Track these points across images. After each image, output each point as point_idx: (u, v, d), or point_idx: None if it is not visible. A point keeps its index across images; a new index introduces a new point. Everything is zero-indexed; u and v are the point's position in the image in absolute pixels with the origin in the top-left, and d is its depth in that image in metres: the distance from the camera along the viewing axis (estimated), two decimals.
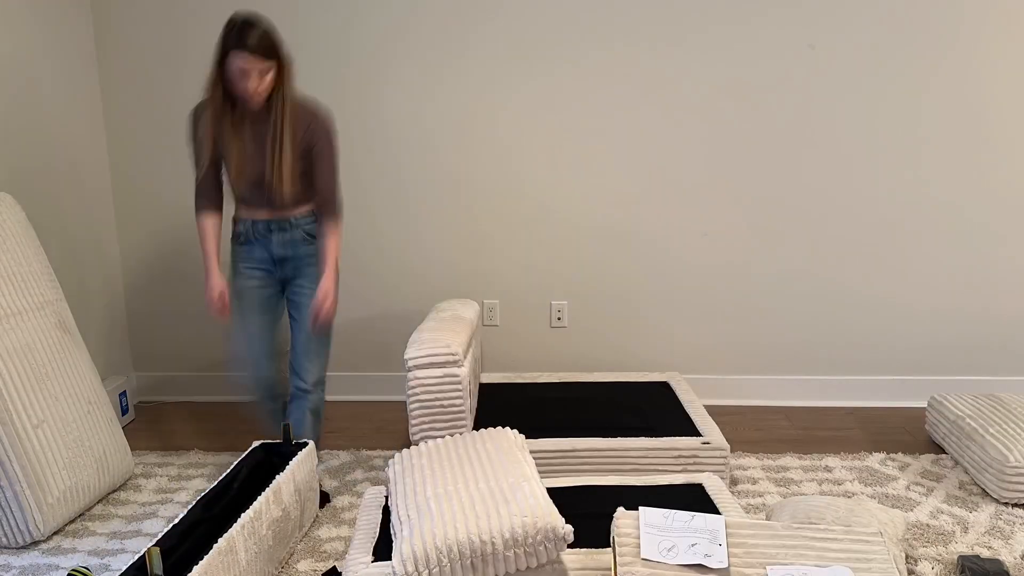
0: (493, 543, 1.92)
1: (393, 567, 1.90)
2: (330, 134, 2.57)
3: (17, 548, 2.46)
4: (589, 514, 2.24)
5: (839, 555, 1.81)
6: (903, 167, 3.40)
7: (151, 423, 3.46)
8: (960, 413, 2.93)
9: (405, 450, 2.41)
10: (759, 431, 3.30)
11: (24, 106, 3.01)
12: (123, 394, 3.41)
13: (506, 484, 2.09)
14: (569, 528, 1.95)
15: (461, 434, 2.48)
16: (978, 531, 2.47)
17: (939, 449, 3.09)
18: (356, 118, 3.44)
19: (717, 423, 3.35)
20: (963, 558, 2.23)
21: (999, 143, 3.36)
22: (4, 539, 2.45)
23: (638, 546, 1.83)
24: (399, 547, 1.92)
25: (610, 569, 1.99)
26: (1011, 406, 2.91)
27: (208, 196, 2.61)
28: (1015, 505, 2.63)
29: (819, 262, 3.49)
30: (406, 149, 3.47)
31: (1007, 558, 2.31)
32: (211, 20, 3.37)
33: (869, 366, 3.58)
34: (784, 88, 3.34)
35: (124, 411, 3.42)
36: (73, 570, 2.25)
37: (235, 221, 2.68)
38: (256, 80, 2.37)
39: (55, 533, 2.53)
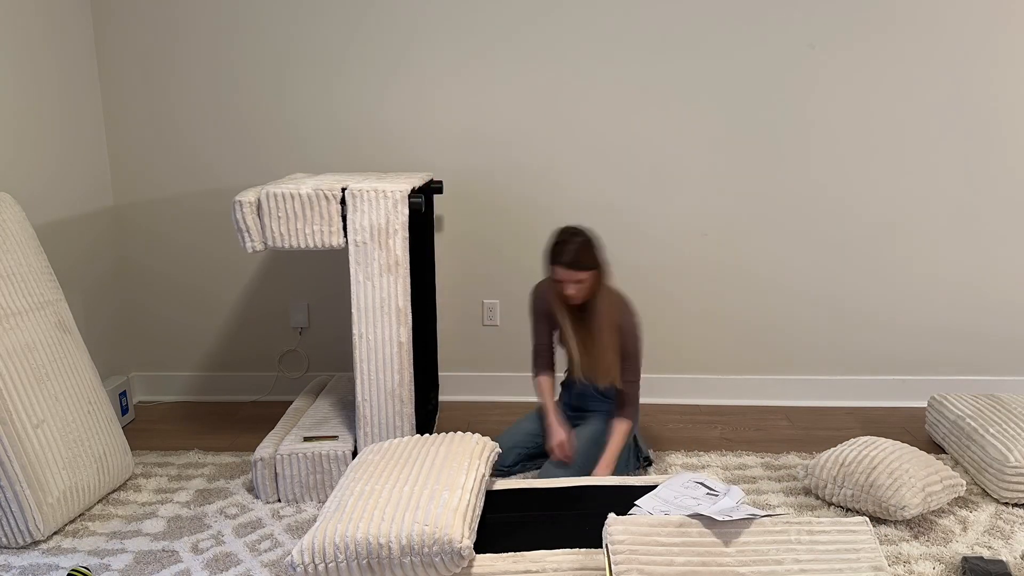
0: (390, 547, 1.92)
1: (291, 555, 1.96)
2: (637, 338, 2.73)
3: (17, 548, 2.46)
4: (589, 514, 2.24)
5: (828, 547, 1.87)
6: (904, 168, 3.40)
7: (151, 423, 3.46)
8: (960, 413, 2.93)
9: (369, 446, 2.42)
10: (759, 431, 3.30)
11: (24, 105, 3.01)
12: (123, 394, 3.41)
13: (429, 491, 2.07)
14: (468, 544, 1.91)
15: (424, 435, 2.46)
16: (978, 531, 2.47)
17: (939, 449, 3.09)
18: (356, 117, 3.44)
19: (718, 423, 3.36)
20: (966, 559, 2.23)
21: (1000, 144, 3.36)
22: (4, 539, 2.45)
23: (632, 552, 1.83)
24: (304, 537, 1.99)
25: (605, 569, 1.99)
26: (1011, 406, 2.91)
27: (544, 361, 2.89)
28: (1015, 505, 2.63)
29: (820, 262, 3.49)
30: (406, 148, 3.47)
31: (1007, 558, 2.31)
32: (211, 20, 3.37)
33: (869, 366, 3.58)
34: (785, 88, 3.34)
35: (124, 411, 3.42)
36: (73, 570, 2.26)
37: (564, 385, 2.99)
38: (572, 288, 2.65)
39: (55, 533, 2.53)
